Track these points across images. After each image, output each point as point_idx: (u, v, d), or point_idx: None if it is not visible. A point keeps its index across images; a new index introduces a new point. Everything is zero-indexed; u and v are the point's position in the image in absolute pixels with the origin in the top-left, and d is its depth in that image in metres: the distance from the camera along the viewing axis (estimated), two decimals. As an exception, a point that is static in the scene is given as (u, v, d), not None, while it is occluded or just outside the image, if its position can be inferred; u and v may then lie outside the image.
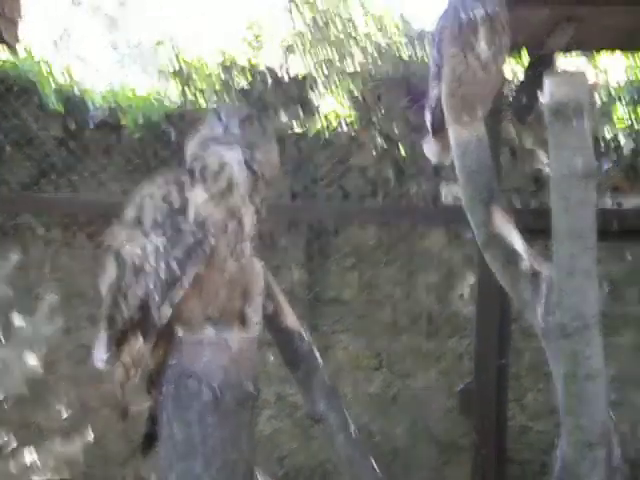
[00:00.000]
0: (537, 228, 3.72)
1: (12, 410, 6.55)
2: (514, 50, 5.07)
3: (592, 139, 2.53)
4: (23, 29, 6.52)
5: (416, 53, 8.21)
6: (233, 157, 2.30)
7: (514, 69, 7.49)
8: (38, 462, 4.43)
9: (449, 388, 6.87)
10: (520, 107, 6.02)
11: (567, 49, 5.79)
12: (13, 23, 6.26)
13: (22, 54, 7.61)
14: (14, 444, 6.52)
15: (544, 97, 2.52)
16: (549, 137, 2.54)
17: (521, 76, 6.66)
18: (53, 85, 7.92)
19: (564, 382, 2.68)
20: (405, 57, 8.11)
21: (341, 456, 3.05)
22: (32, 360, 4.33)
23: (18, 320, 4.44)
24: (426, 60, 7.17)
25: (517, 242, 3.14)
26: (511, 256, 3.12)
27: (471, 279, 6.19)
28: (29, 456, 4.48)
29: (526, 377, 6.86)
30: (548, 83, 2.49)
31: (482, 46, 3.23)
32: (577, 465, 2.66)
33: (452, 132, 3.38)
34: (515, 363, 6.19)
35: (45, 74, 7.99)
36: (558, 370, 2.79)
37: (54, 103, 7.60)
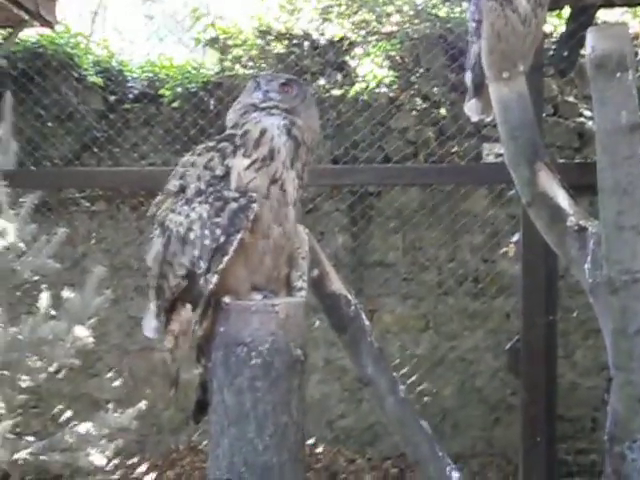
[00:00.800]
0: (582, 184, 3.69)
1: (64, 381, 6.67)
2: (554, 3, 4.97)
3: (636, 92, 2.48)
4: (60, 5, 6.53)
5: (453, 10, 8.10)
6: (273, 123, 2.30)
7: (554, 23, 7.38)
8: (92, 431, 4.50)
9: (497, 347, 6.85)
10: (561, 62, 5.92)
11: (608, 1, 5.67)
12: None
13: (59, 29, 7.64)
14: (68, 414, 6.64)
15: (586, 51, 2.47)
16: (592, 92, 2.50)
17: (562, 30, 6.54)
18: (91, 58, 7.95)
19: (613, 338, 2.66)
20: (442, 15, 8.00)
21: (391, 418, 3.06)
22: (82, 332, 4.38)
23: (67, 293, 4.49)
24: (464, 17, 7.08)
25: (562, 199, 3.10)
26: (557, 213, 3.10)
27: (515, 237, 6.13)
28: (83, 426, 4.54)
29: (574, 334, 6.83)
30: (590, 37, 2.44)
31: (521, 0, 3.19)
32: (629, 420, 2.65)
33: (493, 89, 3.34)
34: (563, 320, 6.15)
35: (83, 48, 8.03)
36: (607, 326, 2.78)
37: (93, 76, 7.64)
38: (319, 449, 6.89)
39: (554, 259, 4.74)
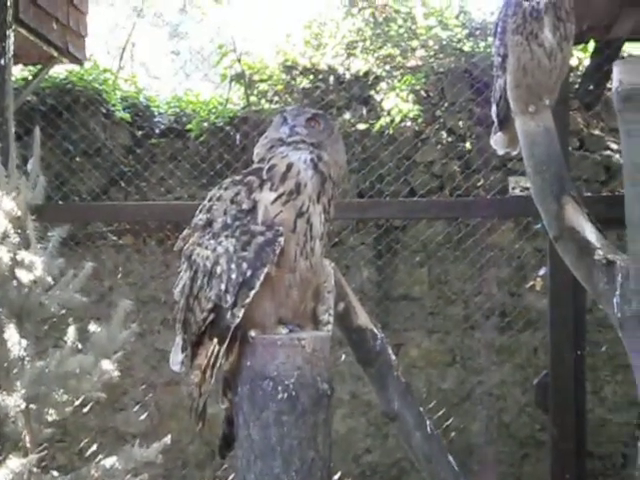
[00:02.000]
0: (609, 217, 3.67)
1: (91, 415, 6.68)
2: (579, 37, 4.98)
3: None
4: (89, 41, 6.63)
5: (478, 45, 8.14)
6: (300, 158, 2.31)
7: (579, 56, 7.38)
8: (118, 465, 4.48)
9: (524, 382, 6.80)
10: (587, 95, 5.92)
11: (633, 35, 5.67)
12: (79, 36, 6.38)
13: (88, 65, 7.75)
14: (93, 448, 6.64)
15: (613, 84, 2.47)
16: (619, 125, 2.50)
17: (587, 63, 6.55)
18: (119, 94, 8.05)
19: (644, 374, 2.63)
20: (467, 49, 8.04)
21: (418, 454, 3.04)
22: (109, 365, 4.38)
23: (94, 327, 4.50)
24: (488, 51, 7.11)
25: (590, 233, 3.09)
26: (584, 247, 3.08)
27: (542, 271, 6.10)
28: (108, 460, 4.53)
29: (603, 369, 6.75)
30: (617, 70, 2.45)
31: (546, 34, 3.20)
32: (660, 457, 2.61)
33: (519, 123, 3.35)
34: (591, 355, 6.10)
35: (111, 84, 8.13)
36: (637, 361, 2.74)
37: (120, 112, 7.73)
38: (345, 484, 6.84)
39: (582, 293, 4.70)
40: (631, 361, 2.90)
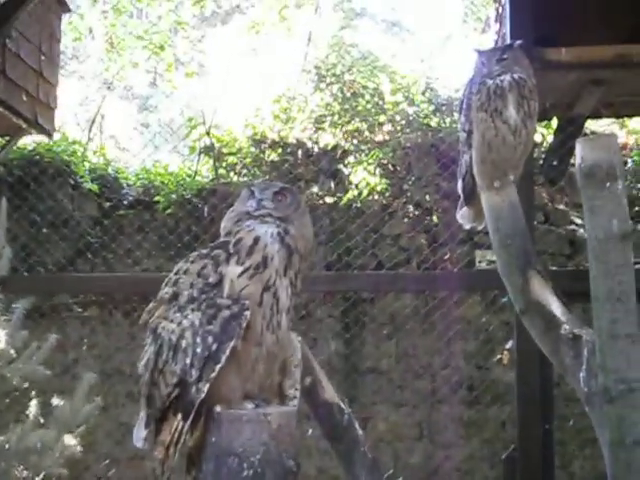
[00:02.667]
0: (574, 291, 3.69)
1: (52, 491, 6.52)
2: (543, 114, 5.08)
3: (626, 201, 2.51)
4: (58, 113, 6.65)
5: (444, 120, 8.27)
6: (267, 231, 2.31)
7: (543, 133, 7.52)
8: None
9: (493, 457, 6.75)
10: (551, 170, 6.01)
11: (595, 112, 5.79)
12: (48, 108, 6.40)
13: (57, 137, 7.76)
14: (54, 526, 6.47)
15: (576, 161, 2.51)
16: (583, 201, 2.52)
17: (551, 139, 6.67)
18: (87, 166, 8.06)
19: (611, 448, 2.61)
20: (433, 124, 8.16)
21: (385, 531, 2.98)
22: (71, 440, 4.30)
23: (57, 400, 4.43)
24: (454, 127, 7.22)
25: (556, 307, 3.10)
26: (550, 321, 3.09)
27: (509, 345, 6.11)
28: (70, 538, 4.43)
29: (571, 443, 6.73)
30: (579, 147, 2.48)
31: (511, 111, 3.25)
32: (629, 535, 2.58)
33: (484, 198, 3.38)
34: (559, 429, 6.07)
35: (79, 155, 8.14)
36: (604, 436, 2.73)
37: (89, 183, 7.73)
38: None
39: (549, 367, 4.71)
40: (598, 436, 2.89)
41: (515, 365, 5.20)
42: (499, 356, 6.73)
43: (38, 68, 6.23)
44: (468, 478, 6.90)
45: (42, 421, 4.39)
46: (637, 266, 2.88)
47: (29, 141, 7.71)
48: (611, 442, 2.60)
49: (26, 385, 4.57)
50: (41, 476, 4.38)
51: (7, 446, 4.07)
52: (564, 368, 3.06)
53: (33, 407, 4.37)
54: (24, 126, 6.22)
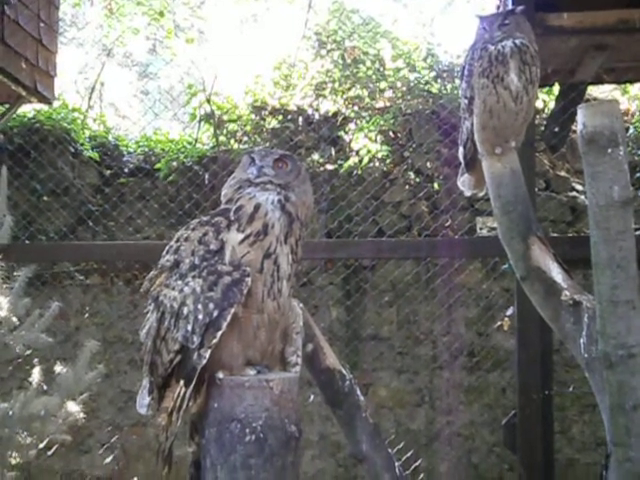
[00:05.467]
0: (575, 257, 3.70)
1: (55, 458, 6.58)
2: (544, 80, 5.05)
3: (627, 167, 2.50)
4: (57, 80, 6.61)
5: (445, 87, 8.23)
6: (268, 199, 2.31)
7: (545, 99, 7.49)
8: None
9: (493, 422, 6.80)
10: (553, 137, 5.99)
11: (597, 78, 5.76)
12: (48, 76, 6.37)
13: (56, 105, 7.73)
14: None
15: (578, 127, 2.50)
16: (584, 167, 2.52)
17: (552, 106, 6.64)
18: (88, 133, 8.04)
19: (611, 413, 2.63)
20: (434, 91, 8.13)
21: (387, 496, 3.01)
22: (74, 407, 4.33)
23: (59, 368, 4.45)
24: (456, 93, 7.19)
25: (556, 273, 3.11)
26: (551, 287, 3.09)
27: (510, 311, 6.13)
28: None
29: (571, 409, 6.77)
30: (581, 113, 2.47)
31: (512, 77, 3.24)
32: (628, 498, 2.60)
33: (486, 165, 3.37)
34: (559, 395, 6.11)
35: (79, 123, 8.11)
36: (604, 401, 2.75)
37: (89, 151, 7.71)
38: (313, 527, 6.78)
39: (549, 333, 4.73)
40: (598, 401, 2.91)
41: (515, 331, 5.22)
42: (499, 322, 6.75)
43: (37, 35, 6.19)
44: (469, 443, 6.95)
45: (45, 388, 4.41)
46: (638, 232, 2.89)
47: (29, 109, 7.68)
48: (611, 407, 2.62)
49: (29, 352, 4.59)
50: (45, 442, 4.41)
51: (11, 413, 4.09)
52: (564, 334, 3.07)
53: (36, 374, 4.39)
54: (24, 94, 6.19)
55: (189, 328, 2.26)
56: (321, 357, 2.98)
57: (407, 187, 7.37)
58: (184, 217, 6.89)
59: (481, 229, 6.74)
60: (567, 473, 6.61)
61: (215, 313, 2.23)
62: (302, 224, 2.36)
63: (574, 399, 6.70)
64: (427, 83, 8.27)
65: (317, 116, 8.05)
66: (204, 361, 2.23)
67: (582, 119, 2.47)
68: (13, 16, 5.85)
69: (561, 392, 6.39)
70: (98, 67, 12.01)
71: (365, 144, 7.63)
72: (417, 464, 6.62)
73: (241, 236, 2.28)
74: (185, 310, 2.28)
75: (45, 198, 7.38)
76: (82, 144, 7.76)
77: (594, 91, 7.64)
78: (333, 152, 7.72)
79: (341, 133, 7.88)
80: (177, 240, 2.39)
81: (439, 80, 8.32)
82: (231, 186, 2.39)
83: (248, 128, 8.04)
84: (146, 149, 8.00)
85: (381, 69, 8.63)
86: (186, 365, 2.27)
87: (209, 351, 2.23)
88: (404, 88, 8.27)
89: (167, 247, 2.41)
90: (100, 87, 11.71)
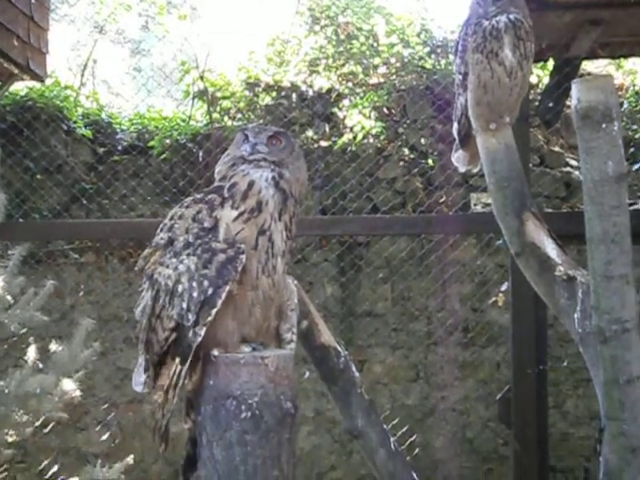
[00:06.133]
0: (569, 233, 3.71)
1: (52, 435, 6.60)
2: (539, 55, 5.04)
3: (622, 143, 2.50)
4: (50, 58, 6.58)
5: (439, 62, 8.20)
6: (262, 176, 2.30)
7: (539, 74, 7.47)
8: (79, 486, 4.44)
9: (487, 397, 6.83)
10: (547, 112, 5.98)
11: (592, 53, 5.75)
12: (40, 53, 6.33)
13: (49, 82, 7.69)
14: (54, 469, 6.55)
15: (572, 102, 2.49)
16: (579, 142, 2.51)
17: (546, 81, 6.62)
18: (80, 111, 8.00)
19: (605, 388, 2.64)
20: (428, 67, 8.10)
21: (382, 471, 3.03)
22: (70, 385, 4.34)
23: (55, 346, 4.46)
24: (450, 69, 7.17)
25: (551, 249, 3.11)
26: (545, 263, 3.10)
27: (504, 287, 6.14)
28: (70, 480, 4.49)
29: (565, 383, 6.81)
30: (575, 88, 2.46)
31: (506, 52, 3.23)
32: (621, 471, 2.62)
33: (480, 140, 3.37)
34: (553, 370, 6.14)
35: (72, 101, 8.07)
36: (598, 376, 2.76)
37: (82, 129, 7.68)
38: (309, 502, 6.82)
39: (543, 308, 4.73)
40: (592, 376, 2.92)
41: (510, 307, 5.23)
42: (494, 298, 6.77)
43: (29, 12, 6.14)
44: (463, 418, 6.99)
45: (41, 366, 4.43)
46: (631, 207, 2.89)
47: (21, 87, 7.64)
48: (605, 382, 2.63)
49: (24, 331, 4.60)
50: (41, 420, 4.43)
51: (7, 391, 4.11)
52: (558, 309, 3.08)
53: (32, 352, 4.40)
54: (16, 71, 6.16)
55: (184, 306, 2.26)
56: (316, 334, 2.99)
57: (401, 163, 7.36)
58: (178, 195, 6.88)
59: (475, 205, 6.74)
60: (561, 447, 6.66)
61: (210, 291, 2.23)
62: (296, 201, 2.35)
63: (568, 374, 6.74)
64: (421, 59, 8.24)
65: (311, 92, 8.02)
66: (199, 339, 2.24)
67: (576, 94, 2.46)
68: (4, -7, 5.81)
69: (555, 367, 6.42)
70: (90, 44, 11.94)
71: (359, 120, 7.62)
72: (412, 439, 6.65)
73: (235, 213, 2.27)
74: (180, 288, 2.28)
75: (38, 176, 7.36)
76: (75, 122, 7.72)
77: (588, 66, 7.62)
78: (327, 129, 7.70)
79: (335, 109, 7.86)
80: (171, 218, 2.38)
81: (433, 56, 8.30)
82: (225, 163, 2.39)
83: (242, 105, 8.01)
84: (139, 127, 7.97)
85: (375, 45, 8.59)
86: (181, 343, 2.28)
87: (204, 329, 2.23)
88: (398, 64, 8.24)
89: (161, 225, 2.41)
90: (92, 64, 11.63)
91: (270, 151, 2.36)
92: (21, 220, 6.93)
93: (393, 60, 8.31)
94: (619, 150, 2.46)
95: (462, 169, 3.75)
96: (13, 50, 5.95)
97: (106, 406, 6.97)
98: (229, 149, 2.43)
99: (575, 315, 2.94)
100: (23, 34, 6.07)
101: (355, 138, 7.45)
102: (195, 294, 2.24)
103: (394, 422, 6.44)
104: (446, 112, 6.57)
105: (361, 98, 7.84)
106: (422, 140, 7.46)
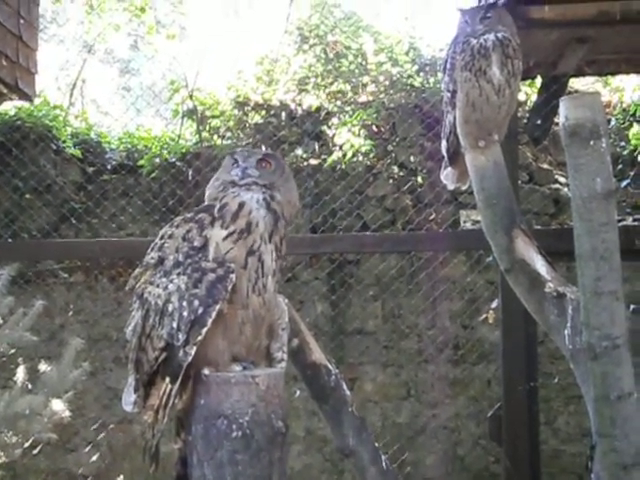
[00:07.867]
0: (558, 250, 3.71)
1: (41, 456, 6.56)
2: (527, 73, 5.06)
3: (610, 159, 2.51)
4: (38, 77, 6.58)
5: (428, 80, 8.23)
6: (252, 197, 2.31)
7: (527, 92, 7.51)
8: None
9: (478, 415, 6.82)
10: (535, 129, 6.00)
11: (579, 71, 5.78)
12: (29, 73, 6.32)
13: (38, 102, 7.69)
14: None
15: (560, 119, 2.51)
16: (567, 159, 2.52)
17: (534, 98, 6.66)
18: (69, 130, 8.00)
19: (595, 404, 2.64)
20: (417, 85, 8.13)
21: (374, 489, 3.01)
22: (59, 406, 4.32)
23: (44, 366, 4.44)
24: (438, 87, 7.20)
25: (540, 265, 3.12)
26: (535, 279, 3.11)
27: (495, 304, 6.15)
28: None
29: (556, 400, 6.81)
30: (563, 105, 2.48)
31: (494, 70, 3.25)
32: (613, 488, 2.62)
33: (469, 158, 3.38)
34: (544, 386, 6.13)
35: (61, 120, 8.07)
36: (589, 392, 2.76)
37: (71, 148, 7.67)
38: (301, 522, 6.78)
39: (534, 325, 4.74)
40: (583, 392, 2.92)
41: (500, 324, 5.23)
42: (484, 315, 6.77)
43: (17, 32, 6.14)
44: (454, 436, 6.97)
45: (30, 387, 4.40)
46: (620, 224, 2.90)
47: (10, 106, 7.63)
48: (595, 398, 2.63)
49: (13, 351, 4.57)
50: (30, 441, 4.40)
51: (-5, 412, 4.08)
52: (549, 326, 3.08)
53: (21, 373, 4.38)
54: (5, 91, 6.15)
55: (174, 325, 2.26)
56: (307, 352, 2.99)
57: (391, 181, 7.37)
58: (167, 214, 6.88)
59: (465, 222, 6.75)
60: (553, 464, 6.64)
61: (200, 310, 2.22)
62: (287, 222, 2.36)
63: (559, 390, 6.74)
64: (410, 77, 8.27)
65: (300, 111, 8.04)
66: (190, 358, 2.23)
67: (564, 111, 2.47)
68: (-7, 13, 5.81)
69: (546, 383, 6.42)
70: (79, 64, 11.97)
71: (348, 138, 7.63)
72: (403, 457, 6.63)
73: (225, 232, 2.27)
74: (170, 307, 2.27)
75: (27, 196, 7.34)
76: (64, 141, 7.71)
77: (576, 83, 7.66)
78: (317, 147, 7.72)
79: (324, 128, 7.87)
80: (161, 237, 2.38)
81: (421, 74, 8.33)
82: (215, 187, 2.39)
83: (231, 124, 8.03)
84: (129, 146, 7.97)
85: (363, 63, 8.63)
86: (172, 362, 2.27)
87: (194, 348, 2.23)
88: (387, 82, 8.27)
89: (152, 245, 2.41)
90: (81, 84, 11.66)
91: (260, 174, 2.36)
92: (10, 240, 6.91)
93: (382, 78, 8.34)
94: (607, 167, 2.47)
95: (451, 186, 3.76)
96: (2, 70, 5.95)
97: (96, 427, 6.93)
98: (218, 173, 2.44)
99: (565, 332, 2.94)
100: (12, 54, 6.06)
101: (344, 156, 7.47)
102: (185, 313, 2.24)
103: (385, 440, 6.43)
104: (435, 130, 6.59)
105: (350, 116, 7.86)
106: (411, 158, 7.48)
